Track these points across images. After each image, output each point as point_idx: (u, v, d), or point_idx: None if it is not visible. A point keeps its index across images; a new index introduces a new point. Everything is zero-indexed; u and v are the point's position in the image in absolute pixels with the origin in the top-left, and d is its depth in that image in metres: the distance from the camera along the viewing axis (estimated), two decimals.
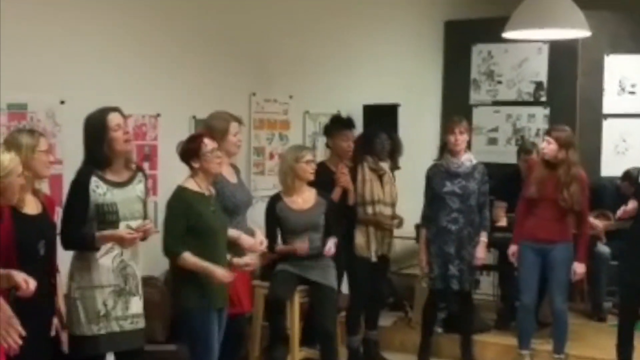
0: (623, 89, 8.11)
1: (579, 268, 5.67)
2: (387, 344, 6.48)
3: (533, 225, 5.69)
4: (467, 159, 5.86)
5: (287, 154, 5.62)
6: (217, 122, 5.04)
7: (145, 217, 4.31)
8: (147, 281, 4.75)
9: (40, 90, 4.88)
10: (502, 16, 6.97)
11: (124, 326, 4.20)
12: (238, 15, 6.31)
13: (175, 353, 5.14)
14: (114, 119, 4.16)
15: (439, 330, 6.44)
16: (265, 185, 6.44)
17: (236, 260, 4.69)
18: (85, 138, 4.22)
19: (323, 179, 5.70)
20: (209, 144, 4.48)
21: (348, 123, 6.14)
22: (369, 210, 5.93)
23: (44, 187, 4.23)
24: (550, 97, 8.22)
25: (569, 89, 8.05)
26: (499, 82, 8.49)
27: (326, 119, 6.49)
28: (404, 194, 6.25)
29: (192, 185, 4.46)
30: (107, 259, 4.15)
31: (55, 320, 3.98)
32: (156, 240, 4.39)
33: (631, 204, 5.39)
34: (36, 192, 3.92)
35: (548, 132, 5.77)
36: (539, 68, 8.27)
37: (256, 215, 5.55)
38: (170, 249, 4.39)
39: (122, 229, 4.11)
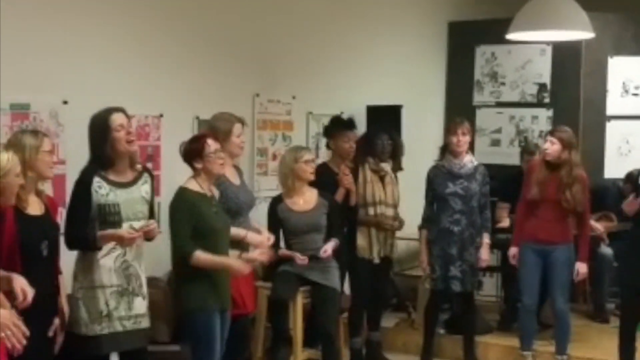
0: (626, 91, 8.11)
1: (582, 268, 5.68)
2: (389, 345, 6.49)
3: (534, 227, 5.68)
4: (469, 160, 5.86)
5: (286, 155, 5.62)
6: (220, 123, 5.05)
7: (153, 217, 4.31)
8: (150, 282, 4.74)
9: (43, 91, 4.88)
10: (505, 17, 6.98)
11: (127, 326, 4.20)
12: (241, 15, 6.31)
13: (178, 354, 5.14)
14: (116, 119, 4.16)
15: (442, 331, 6.45)
16: (268, 186, 6.44)
17: (245, 255, 4.69)
18: (89, 138, 4.22)
19: (325, 180, 5.70)
20: (212, 144, 4.47)
21: (349, 124, 6.13)
22: (371, 211, 5.93)
23: (47, 187, 4.24)
24: (553, 99, 8.22)
25: (573, 91, 8.05)
26: (502, 84, 8.49)
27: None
28: (407, 195, 6.24)
29: (193, 185, 4.45)
30: (109, 259, 4.15)
31: (56, 321, 3.98)
32: (159, 241, 4.39)
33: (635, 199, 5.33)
34: (39, 193, 3.93)
35: (551, 133, 5.77)
36: (543, 69, 8.27)
37: (259, 216, 5.56)
38: (182, 250, 4.35)
39: (123, 229, 4.11)
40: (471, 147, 5.92)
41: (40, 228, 3.84)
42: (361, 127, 6.55)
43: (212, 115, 5.25)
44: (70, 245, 4.14)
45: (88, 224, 4.09)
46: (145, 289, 4.32)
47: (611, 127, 8.10)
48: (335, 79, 7.22)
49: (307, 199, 5.54)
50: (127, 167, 4.25)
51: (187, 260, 4.33)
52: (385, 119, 7.03)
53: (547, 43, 8.03)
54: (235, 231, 4.81)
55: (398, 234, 6.18)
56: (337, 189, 5.84)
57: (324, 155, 6.58)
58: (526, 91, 8.36)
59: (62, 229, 4.12)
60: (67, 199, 4.34)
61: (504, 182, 6.73)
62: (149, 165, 5.39)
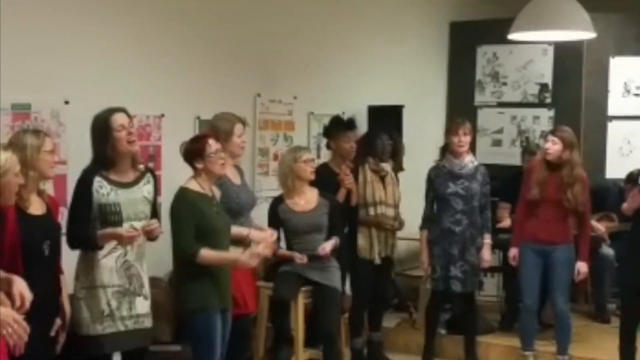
0: (628, 91, 8.11)
1: (582, 267, 5.68)
2: (391, 345, 6.49)
3: (534, 227, 5.68)
4: (470, 161, 5.86)
5: (286, 155, 5.62)
6: (221, 123, 5.05)
7: (155, 217, 4.31)
8: (151, 282, 4.74)
9: (44, 91, 4.88)
10: (507, 17, 6.97)
11: (128, 326, 4.21)
12: (242, 16, 6.31)
13: (179, 354, 5.14)
14: (118, 119, 4.16)
15: (443, 331, 6.45)
16: (270, 186, 6.44)
17: (249, 250, 4.68)
18: (91, 138, 4.22)
19: (326, 180, 5.70)
20: (213, 145, 4.47)
21: (349, 124, 6.12)
22: (371, 211, 5.93)
23: (48, 187, 4.24)
24: (555, 99, 8.22)
25: (574, 91, 8.06)
26: (504, 84, 8.49)
27: None
28: (409, 195, 6.23)
29: (194, 185, 4.45)
30: (110, 259, 4.15)
31: (58, 321, 3.98)
32: (160, 241, 4.37)
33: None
34: (41, 193, 3.93)
35: (552, 132, 5.76)
36: (544, 69, 8.27)
37: (260, 216, 5.56)
38: (187, 250, 4.33)
39: (123, 228, 4.11)
40: (472, 147, 5.92)
41: (42, 228, 3.84)
42: (363, 127, 6.56)
43: (213, 115, 5.26)
44: (72, 245, 4.14)
45: (89, 223, 4.10)
46: (147, 289, 4.32)
47: (612, 128, 8.11)
48: (336, 79, 7.22)
49: (308, 199, 5.54)
50: (128, 167, 4.25)
51: (193, 259, 4.31)
52: (387, 119, 7.04)
53: (549, 43, 8.04)
54: (238, 230, 4.81)
55: (399, 234, 6.17)
56: (337, 189, 5.84)
57: (325, 156, 6.58)
58: (528, 91, 8.36)
59: (63, 229, 4.12)
60: (68, 198, 4.35)
61: (505, 182, 6.74)
62: (150, 165, 5.40)
